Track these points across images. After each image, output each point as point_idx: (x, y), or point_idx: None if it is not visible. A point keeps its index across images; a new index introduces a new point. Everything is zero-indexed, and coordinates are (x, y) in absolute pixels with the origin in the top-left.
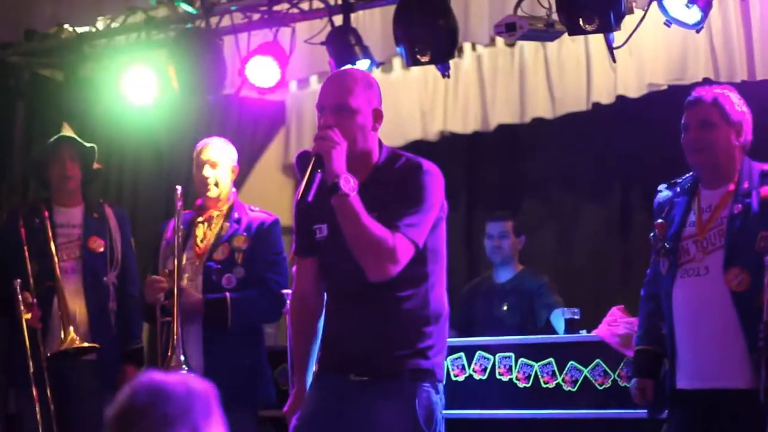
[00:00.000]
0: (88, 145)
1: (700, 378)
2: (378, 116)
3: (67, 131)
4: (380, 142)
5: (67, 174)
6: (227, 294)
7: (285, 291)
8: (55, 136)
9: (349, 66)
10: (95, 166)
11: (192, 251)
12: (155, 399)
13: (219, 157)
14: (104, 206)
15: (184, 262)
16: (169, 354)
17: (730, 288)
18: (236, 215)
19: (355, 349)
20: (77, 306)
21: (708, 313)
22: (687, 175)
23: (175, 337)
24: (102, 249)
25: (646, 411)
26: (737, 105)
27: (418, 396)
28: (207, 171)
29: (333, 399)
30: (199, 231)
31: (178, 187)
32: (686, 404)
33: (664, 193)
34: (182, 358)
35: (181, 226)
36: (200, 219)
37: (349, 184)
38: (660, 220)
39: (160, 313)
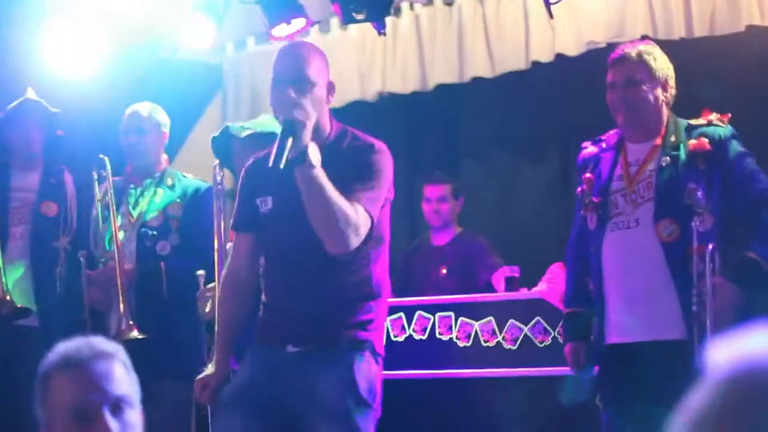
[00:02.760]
0: (53, 110)
1: (633, 331)
2: (331, 89)
3: (31, 95)
4: (330, 116)
5: (30, 138)
6: (162, 263)
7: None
8: (19, 99)
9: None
10: (59, 132)
11: (126, 218)
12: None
13: (145, 124)
14: (64, 171)
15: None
16: (123, 326)
17: (660, 239)
18: (169, 181)
19: (294, 321)
20: (23, 269)
21: (639, 265)
22: (611, 131)
23: (122, 306)
24: (54, 213)
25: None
26: (662, 60)
27: (356, 365)
28: (133, 137)
29: (269, 370)
30: (131, 198)
31: (104, 157)
32: (619, 359)
33: (589, 149)
34: (131, 323)
35: (112, 191)
36: (132, 186)
37: (316, 155)
38: (588, 175)
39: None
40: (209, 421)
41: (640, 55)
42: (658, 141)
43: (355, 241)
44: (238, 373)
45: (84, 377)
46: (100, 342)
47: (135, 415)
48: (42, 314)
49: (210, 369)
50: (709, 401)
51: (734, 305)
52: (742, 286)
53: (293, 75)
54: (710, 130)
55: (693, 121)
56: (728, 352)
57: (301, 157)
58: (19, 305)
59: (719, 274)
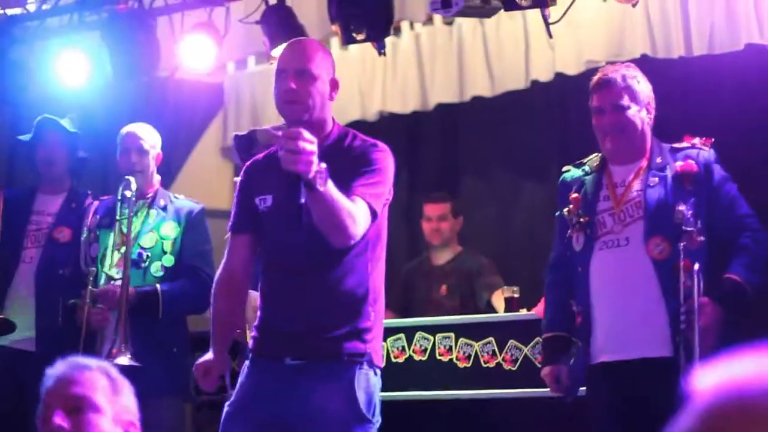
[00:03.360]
0: (71, 130)
1: (623, 349)
2: (335, 86)
3: (66, 123)
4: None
5: (52, 158)
6: (158, 285)
7: None
8: (39, 117)
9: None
10: (81, 154)
11: (119, 238)
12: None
13: (144, 144)
14: (88, 196)
15: (109, 248)
16: (116, 348)
17: (651, 257)
18: (162, 202)
19: (291, 332)
20: (27, 294)
21: (629, 284)
22: (592, 155)
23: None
24: (66, 239)
25: (563, 395)
26: (644, 83)
27: (356, 379)
28: (134, 157)
29: (268, 383)
30: (124, 219)
31: (131, 178)
32: (609, 377)
33: (571, 172)
34: (123, 348)
35: (126, 212)
36: (124, 206)
37: (323, 177)
38: (575, 195)
39: (90, 301)
40: None
41: (624, 79)
42: (643, 162)
43: (356, 232)
44: (239, 387)
45: (50, 387)
46: (86, 359)
47: (101, 419)
48: (39, 340)
49: (209, 356)
50: (693, 426)
51: (718, 326)
52: (725, 308)
53: (295, 66)
54: (694, 152)
55: (676, 144)
56: (713, 376)
57: (309, 184)
58: (1, 316)
59: (704, 294)
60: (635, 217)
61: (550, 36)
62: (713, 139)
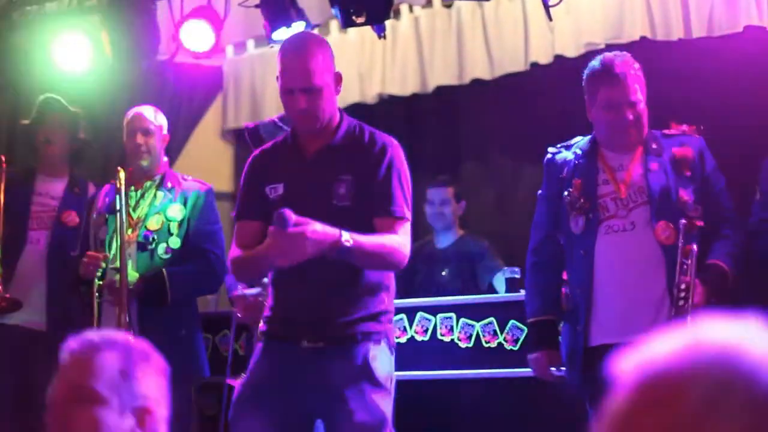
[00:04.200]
0: (73, 109)
1: (631, 331)
2: (339, 80)
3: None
4: (340, 109)
5: (53, 139)
6: (164, 269)
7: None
8: (42, 97)
9: (300, 29)
10: (81, 135)
11: (126, 221)
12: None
13: (151, 125)
14: (88, 184)
15: (117, 233)
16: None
17: (659, 241)
18: (169, 184)
19: (308, 316)
20: (37, 276)
21: (637, 268)
22: (578, 137)
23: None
24: (74, 224)
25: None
26: (639, 71)
27: (371, 353)
28: (140, 139)
29: (285, 365)
30: (132, 200)
31: (121, 169)
32: (611, 357)
33: (562, 154)
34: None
35: (124, 203)
36: (132, 188)
37: (349, 240)
38: (577, 180)
39: (95, 290)
40: (222, 422)
41: (632, 71)
42: (640, 147)
43: (402, 260)
44: (253, 369)
45: (60, 368)
46: (102, 336)
47: (101, 411)
48: (50, 319)
49: (255, 290)
50: (622, 406)
51: (705, 307)
52: (710, 292)
53: (301, 85)
54: (687, 139)
55: (666, 131)
56: (637, 357)
57: (340, 251)
58: (7, 294)
59: (695, 276)
60: (638, 202)
61: (550, 18)
62: (701, 127)
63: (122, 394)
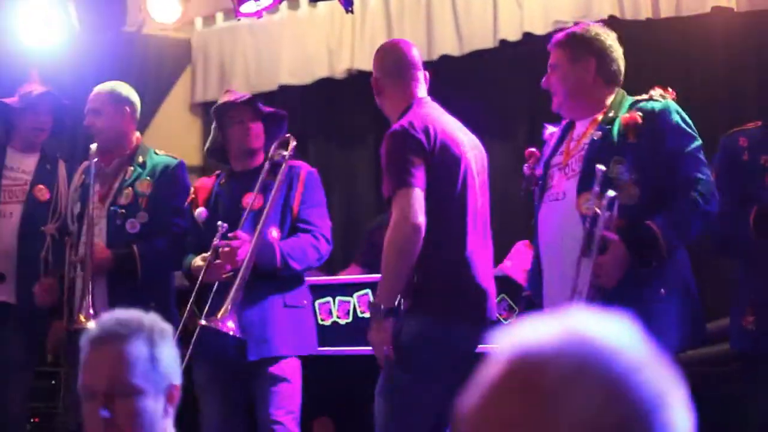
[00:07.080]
0: (65, 101)
1: (549, 302)
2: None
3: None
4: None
5: (42, 128)
6: (134, 246)
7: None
8: (38, 91)
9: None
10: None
11: (95, 195)
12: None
13: (101, 105)
14: (59, 160)
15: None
16: (79, 313)
17: (580, 212)
18: (140, 159)
19: None
20: (8, 249)
21: (562, 237)
22: None
23: (83, 292)
24: (45, 198)
25: None
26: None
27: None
28: (90, 118)
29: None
30: (103, 176)
31: (93, 146)
32: None
33: (550, 129)
34: (91, 312)
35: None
36: (102, 165)
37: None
38: (532, 149)
39: (70, 268)
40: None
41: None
42: (599, 116)
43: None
44: None
45: (87, 358)
46: (127, 320)
47: (142, 401)
48: (20, 293)
49: None
50: (489, 376)
51: (621, 267)
52: (633, 252)
53: None
54: (647, 105)
55: (638, 97)
56: (511, 336)
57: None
58: None
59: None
60: (576, 172)
61: None
62: (673, 91)
63: (155, 380)
